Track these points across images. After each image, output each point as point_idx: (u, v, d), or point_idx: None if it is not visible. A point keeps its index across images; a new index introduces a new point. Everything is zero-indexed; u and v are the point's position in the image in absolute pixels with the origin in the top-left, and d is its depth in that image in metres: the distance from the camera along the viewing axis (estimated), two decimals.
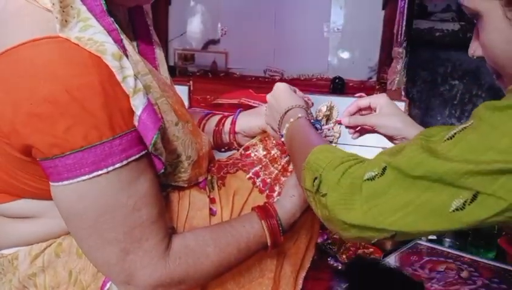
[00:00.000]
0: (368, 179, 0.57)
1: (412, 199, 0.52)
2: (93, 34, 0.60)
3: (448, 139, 0.53)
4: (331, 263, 1.20)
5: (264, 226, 0.79)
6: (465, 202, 0.49)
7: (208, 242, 0.73)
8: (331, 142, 0.94)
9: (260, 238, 0.78)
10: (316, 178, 0.64)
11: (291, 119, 0.81)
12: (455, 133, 0.53)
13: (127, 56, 0.63)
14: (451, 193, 0.50)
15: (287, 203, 0.83)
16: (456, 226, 0.51)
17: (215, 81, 2.08)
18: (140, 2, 0.77)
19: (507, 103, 0.49)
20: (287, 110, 0.84)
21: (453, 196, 0.50)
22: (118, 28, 0.64)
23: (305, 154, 0.69)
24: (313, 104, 0.93)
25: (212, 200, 0.85)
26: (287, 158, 0.90)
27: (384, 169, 0.56)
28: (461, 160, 0.49)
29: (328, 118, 0.93)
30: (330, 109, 0.94)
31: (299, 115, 0.82)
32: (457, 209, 0.49)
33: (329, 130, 0.93)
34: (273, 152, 0.90)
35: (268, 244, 0.79)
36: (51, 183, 0.62)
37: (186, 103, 1.65)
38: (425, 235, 0.56)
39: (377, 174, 0.56)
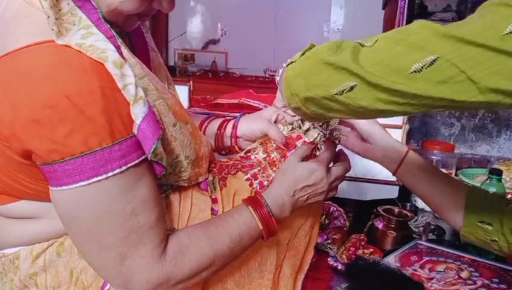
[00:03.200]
0: (360, 43, 0.61)
1: (383, 59, 0.56)
2: (95, 41, 0.60)
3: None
4: (331, 263, 1.20)
5: (251, 210, 0.78)
6: (424, 65, 0.52)
7: (200, 237, 0.73)
8: None
9: (250, 223, 0.78)
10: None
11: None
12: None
13: (125, 60, 0.62)
14: (416, 57, 0.53)
15: (272, 187, 0.83)
16: (408, 88, 0.54)
17: (215, 81, 2.08)
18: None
19: (499, 1, 0.51)
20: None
21: (417, 59, 0.53)
22: (116, 34, 0.64)
23: None
24: None
25: (214, 200, 0.85)
26: None
27: (376, 41, 0.59)
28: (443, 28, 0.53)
29: (328, 123, 0.93)
30: None
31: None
32: (415, 72, 0.53)
33: (328, 135, 0.93)
34: (272, 155, 0.90)
35: (261, 228, 0.78)
36: (50, 188, 0.62)
37: (186, 103, 1.65)
38: (379, 102, 0.57)
39: (368, 45, 0.59)
